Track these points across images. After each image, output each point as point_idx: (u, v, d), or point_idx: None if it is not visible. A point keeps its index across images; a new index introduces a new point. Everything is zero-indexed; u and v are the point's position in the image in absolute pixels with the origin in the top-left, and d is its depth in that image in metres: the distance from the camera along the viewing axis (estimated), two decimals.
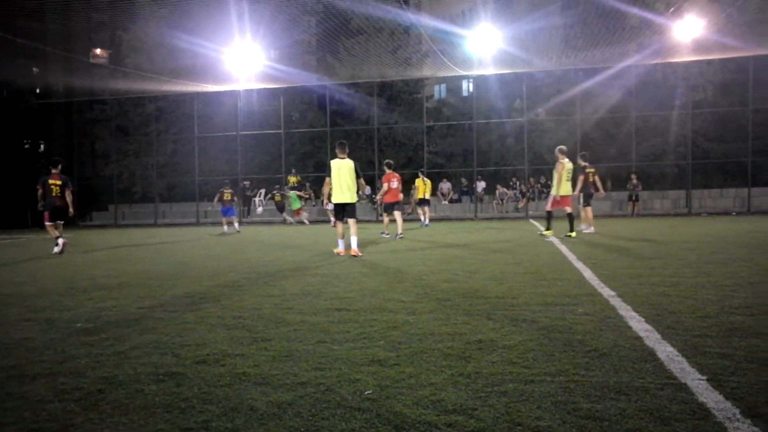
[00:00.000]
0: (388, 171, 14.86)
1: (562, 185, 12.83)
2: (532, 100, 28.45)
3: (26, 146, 32.87)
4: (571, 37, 23.88)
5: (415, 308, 5.04)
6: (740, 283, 5.84)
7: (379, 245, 12.25)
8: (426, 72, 27.14)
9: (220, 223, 20.34)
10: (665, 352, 3.46)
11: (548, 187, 26.02)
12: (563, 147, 13.14)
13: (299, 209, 24.23)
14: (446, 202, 28.66)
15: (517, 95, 29.05)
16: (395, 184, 14.76)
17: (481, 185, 27.99)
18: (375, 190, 27.96)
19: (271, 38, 25.83)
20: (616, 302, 5.00)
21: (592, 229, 14.21)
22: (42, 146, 33.54)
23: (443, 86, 43.96)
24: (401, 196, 15.48)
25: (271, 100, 30.53)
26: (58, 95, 31.05)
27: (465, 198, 29.18)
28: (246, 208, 28.39)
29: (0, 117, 29.57)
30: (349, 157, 10.46)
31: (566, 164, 12.86)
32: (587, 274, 6.79)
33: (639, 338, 3.80)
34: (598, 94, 26.82)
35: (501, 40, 22.45)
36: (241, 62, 24.78)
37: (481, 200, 27.82)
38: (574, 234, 12.63)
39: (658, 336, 3.83)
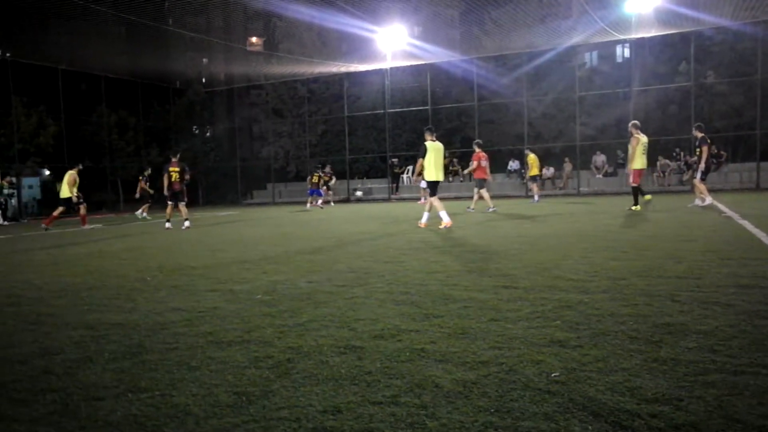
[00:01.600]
0: (477, 150, 15.84)
1: (637, 159, 13.15)
2: (700, 61, 25.75)
3: (195, 131, 36.01)
4: None
5: (587, 287, 4.76)
6: None
7: (534, 222, 11.87)
8: (577, 39, 25.54)
9: (371, 201, 21.04)
10: None
11: (720, 156, 23.64)
12: (636, 122, 13.42)
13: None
14: (600, 176, 27.08)
15: (682, 57, 26.40)
16: (484, 162, 15.90)
17: None
18: (523, 166, 27.14)
19: (415, 14, 25.78)
20: None
21: (708, 200, 13.82)
22: (209, 131, 36.55)
23: (594, 53, 41.26)
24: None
25: (416, 76, 30.61)
26: (220, 83, 33.58)
27: (621, 171, 27.33)
28: (395, 185, 28.88)
29: (174, 105, 32.70)
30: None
31: (641, 138, 13.12)
32: None
33: None
34: None
35: None
36: (387, 40, 25.09)
37: None
38: (638, 207, 12.97)
39: None
